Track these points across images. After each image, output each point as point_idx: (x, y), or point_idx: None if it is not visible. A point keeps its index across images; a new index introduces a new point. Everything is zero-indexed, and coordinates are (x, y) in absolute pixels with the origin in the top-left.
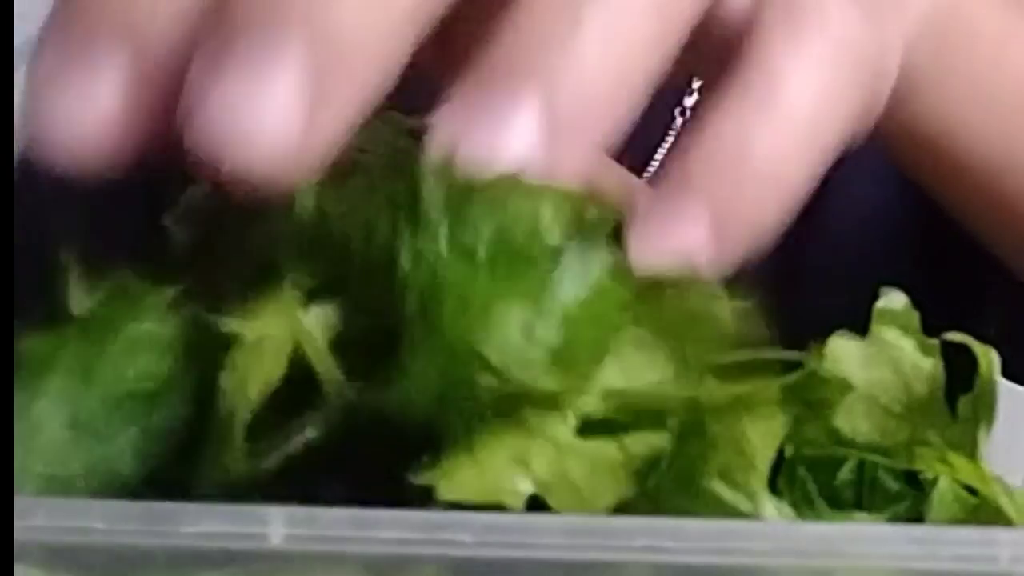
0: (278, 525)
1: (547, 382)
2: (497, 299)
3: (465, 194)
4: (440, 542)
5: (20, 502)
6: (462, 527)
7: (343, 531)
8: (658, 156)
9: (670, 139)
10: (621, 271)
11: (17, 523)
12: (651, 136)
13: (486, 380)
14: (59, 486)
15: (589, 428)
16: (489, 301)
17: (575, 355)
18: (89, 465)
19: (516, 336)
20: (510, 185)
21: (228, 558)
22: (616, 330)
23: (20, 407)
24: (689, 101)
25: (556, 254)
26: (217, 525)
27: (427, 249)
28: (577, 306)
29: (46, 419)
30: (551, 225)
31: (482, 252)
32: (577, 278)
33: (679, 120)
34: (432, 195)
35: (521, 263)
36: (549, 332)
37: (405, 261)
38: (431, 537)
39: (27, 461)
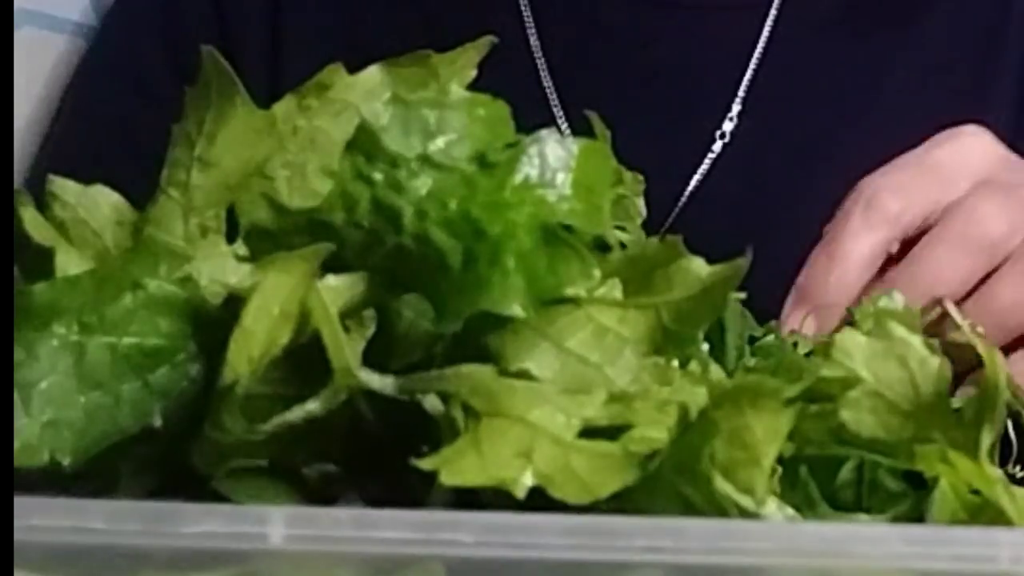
0: (278, 525)
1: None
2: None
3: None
4: (440, 542)
5: (20, 502)
6: (462, 527)
7: (343, 531)
8: (696, 178)
9: (708, 162)
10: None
11: (17, 523)
12: (691, 159)
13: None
14: (58, 431)
15: (591, 433)
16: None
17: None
18: (88, 412)
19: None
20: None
21: (228, 558)
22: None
23: (27, 348)
24: (728, 126)
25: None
26: (217, 525)
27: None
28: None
29: (51, 363)
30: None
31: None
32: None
33: (719, 143)
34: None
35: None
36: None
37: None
38: (431, 537)
39: (29, 403)
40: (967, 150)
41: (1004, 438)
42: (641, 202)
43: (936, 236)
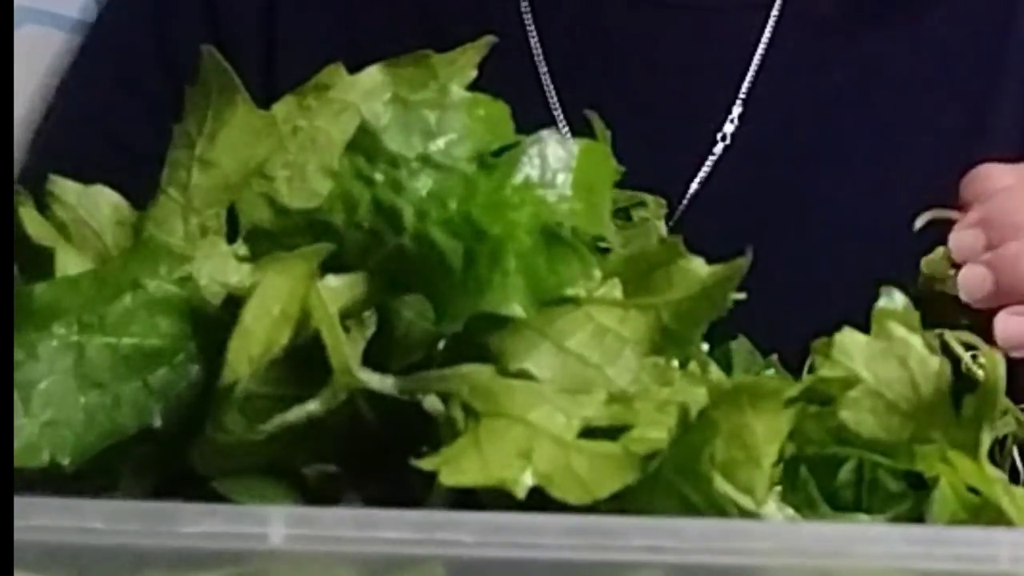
0: (278, 525)
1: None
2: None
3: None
4: (440, 542)
5: (20, 502)
6: (462, 527)
7: (343, 531)
8: (697, 180)
9: (710, 164)
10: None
11: (17, 523)
12: (692, 161)
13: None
14: (58, 431)
15: (591, 433)
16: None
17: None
18: (88, 412)
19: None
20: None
21: (228, 558)
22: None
23: (27, 348)
24: (729, 128)
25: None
26: (217, 525)
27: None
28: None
29: (51, 363)
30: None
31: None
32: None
33: (720, 145)
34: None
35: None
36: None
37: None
38: (431, 537)
39: (29, 403)
40: None
41: (1012, 467)
42: (663, 225)
43: None
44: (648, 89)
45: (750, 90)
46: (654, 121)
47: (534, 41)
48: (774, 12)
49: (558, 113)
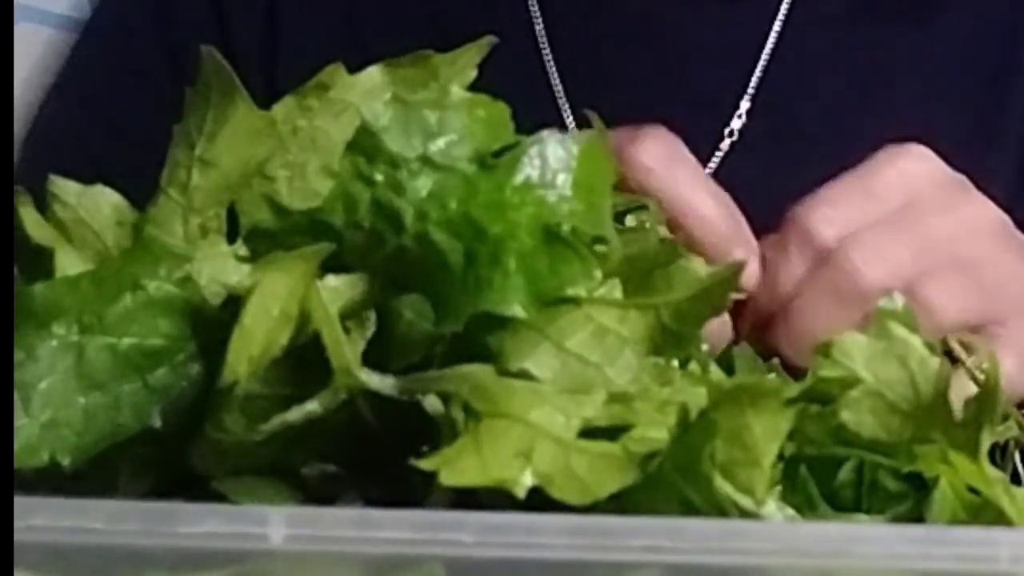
0: (278, 525)
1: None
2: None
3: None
4: (440, 542)
5: (20, 502)
6: (462, 527)
7: (343, 531)
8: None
9: (716, 160)
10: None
11: (17, 523)
12: (699, 157)
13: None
14: (58, 431)
15: (591, 433)
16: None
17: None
18: (88, 412)
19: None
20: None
21: (228, 558)
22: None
23: (27, 349)
24: (737, 123)
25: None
26: (217, 525)
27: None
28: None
29: (51, 363)
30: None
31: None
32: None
33: (727, 141)
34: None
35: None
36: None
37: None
38: (431, 537)
39: (29, 403)
40: (911, 174)
41: (1014, 472)
42: (664, 230)
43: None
44: (655, 83)
45: (758, 85)
46: (660, 115)
47: (541, 36)
48: (785, 5)
49: (565, 107)
